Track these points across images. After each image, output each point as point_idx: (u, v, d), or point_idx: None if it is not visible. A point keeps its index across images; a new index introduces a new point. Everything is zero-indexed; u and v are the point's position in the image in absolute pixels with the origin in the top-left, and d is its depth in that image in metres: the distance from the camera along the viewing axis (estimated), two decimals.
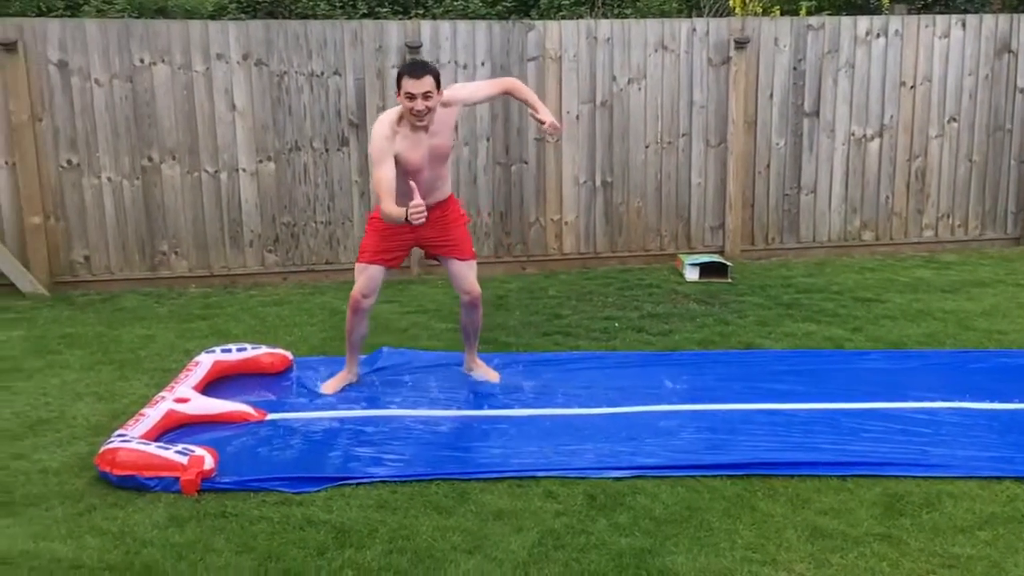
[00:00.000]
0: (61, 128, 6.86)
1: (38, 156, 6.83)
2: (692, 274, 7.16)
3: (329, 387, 4.62)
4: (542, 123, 4.25)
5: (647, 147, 7.81)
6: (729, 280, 7.07)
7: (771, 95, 7.90)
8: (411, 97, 4.03)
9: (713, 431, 4.02)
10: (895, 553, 3.05)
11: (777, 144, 7.98)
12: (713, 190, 7.96)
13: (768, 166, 8.00)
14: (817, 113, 7.96)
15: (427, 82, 4.03)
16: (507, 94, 4.52)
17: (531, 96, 4.42)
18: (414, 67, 4.11)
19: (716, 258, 7.39)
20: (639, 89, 7.72)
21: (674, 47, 7.72)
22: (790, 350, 5.28)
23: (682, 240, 7.98)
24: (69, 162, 6.92)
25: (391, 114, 4.20)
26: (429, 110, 4.07)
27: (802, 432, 3.99)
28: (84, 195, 6.98)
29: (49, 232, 6.96)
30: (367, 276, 4.45)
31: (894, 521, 3.25)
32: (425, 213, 3.91)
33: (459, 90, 4.41)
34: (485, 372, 4.83)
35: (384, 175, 4.05)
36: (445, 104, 4.22)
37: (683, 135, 7.84)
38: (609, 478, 3.56)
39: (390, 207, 3.99)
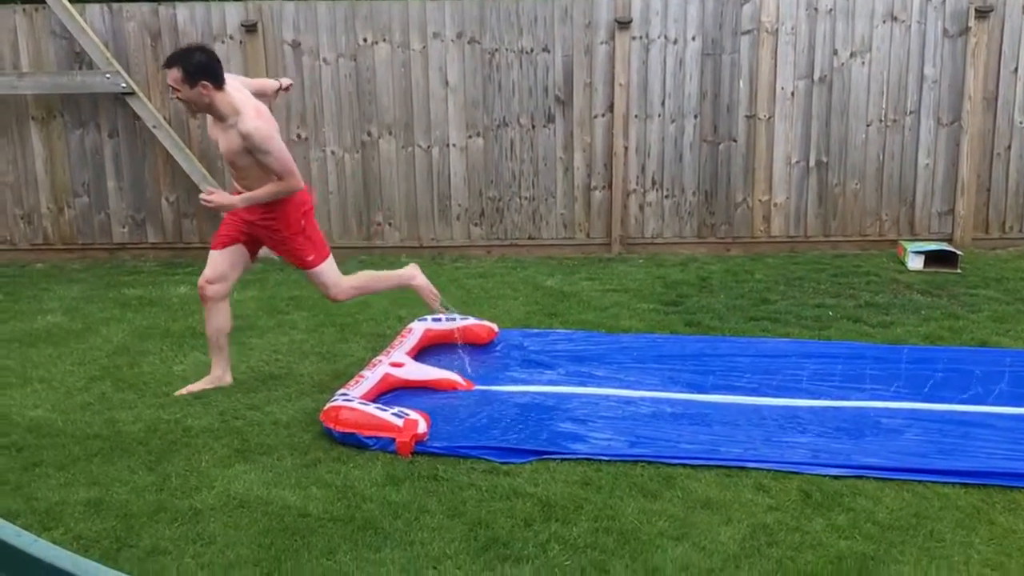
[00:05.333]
0: (293, 104, 7.36)
1: None
2: (916, 262, 6.65)
3: (188, 389, 4.37)
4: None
5: (869, 125, 7.31)
6: (958, 271, 6.51)
7: (1015, 69, 7.17)
8: None
9: (943, 433, 3.71)
10: None
11: (1021, 123, 7.24)
12: (943, 172, 7.35)
13: (1008, 147, 7.29)
14: None
15: (171, 74, 3.97)
16: (277, 182, 4.10)
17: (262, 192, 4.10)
18: (169, 57, 4.05)
19: (944, 246, 6.82)
20: (863, 63, 7.23)
21: (904, 17, 7.16)
22: None
23: (904, 226, 7.43)
24: (298, 136, 7.42)
25: None
26: (180, 100, 4.06)
27: None
28: (310, 167, 7.47)
29: None
30: (208, 259, 4.38)
31: None
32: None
33: (255, 135, 3.99)
34: None
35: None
36: (237, 117, 3.99)
37: (910, 113, 7.28)
38: (826, 475, 3.37)
39: None
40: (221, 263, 4.33)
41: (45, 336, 5.39)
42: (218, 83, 4.00)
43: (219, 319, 4.38)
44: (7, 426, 3.99)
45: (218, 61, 4.05)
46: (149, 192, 7.54)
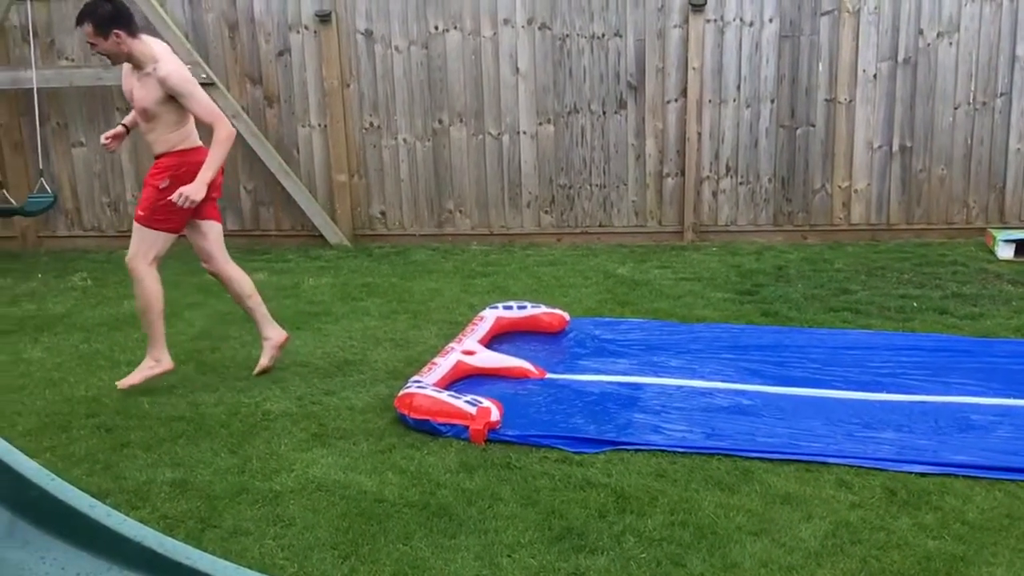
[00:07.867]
0: (365, 92, 7.43)
1: (345, 119, 7.47)
2: (1006, 251, 6.37)
3: (261, 366, 4.48)
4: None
5: (956, 108, 7.03)
6: None
7: None
8: None
9: None
10: None
11: None
12: None
13: None
14: None
15: (85, 30, 4.06)
16: (211, 129, 4.13)
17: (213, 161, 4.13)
18: (78, 15, 4.09)
19: None
20: (950, 44, 6.94)
21: None
22: None
23: (994, 213, 7.13)
24: (371, 124, 7.50)
25: None
26: (101, 53, 4.12)
27: None
28: (382, 155, 7.54)
29: (352, 189, 7.61)
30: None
31: None
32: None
33: (175, 75, 4.06)
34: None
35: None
36: (155, 64, 4.05)
37: (1001, 95, 6.97)
38: (912, 473, 3.26)
39: None
40: (196, 245, 4.42)
41: (131, 320, 5.57)
42: (131, 31, 4.09)
43: (233, 286, 4.44)
44: (97, 407, 4.14)
45: (127, 10, 4.14)
46: (228, 181, 7.65)
